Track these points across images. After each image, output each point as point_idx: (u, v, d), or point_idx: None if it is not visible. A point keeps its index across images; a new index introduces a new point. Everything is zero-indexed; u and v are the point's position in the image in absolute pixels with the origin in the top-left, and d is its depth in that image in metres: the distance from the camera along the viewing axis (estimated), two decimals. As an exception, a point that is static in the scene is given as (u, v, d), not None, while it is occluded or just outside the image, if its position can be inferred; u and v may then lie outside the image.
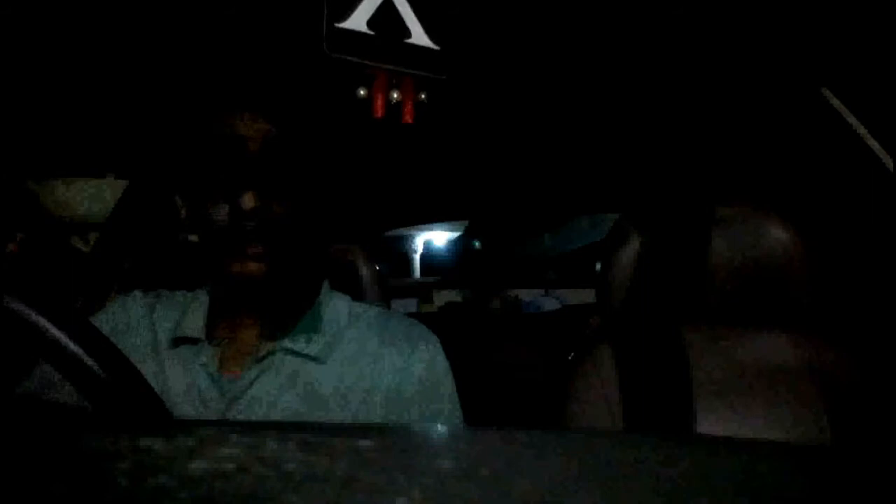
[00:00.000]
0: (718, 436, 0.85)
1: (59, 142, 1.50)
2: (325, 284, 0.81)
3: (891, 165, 1.10)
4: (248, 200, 0.65)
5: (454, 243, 4.32)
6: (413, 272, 4.29)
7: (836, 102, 1.17)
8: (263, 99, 0.69)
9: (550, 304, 3.25)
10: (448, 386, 0.76)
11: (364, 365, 0.72)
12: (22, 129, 1.39)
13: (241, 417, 0.68)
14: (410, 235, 4.19)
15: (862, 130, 1.14)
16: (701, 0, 1.11)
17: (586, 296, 2.96)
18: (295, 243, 0.70)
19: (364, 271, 1.42)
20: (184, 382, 0.70)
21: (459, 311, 3.20)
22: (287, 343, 0.71)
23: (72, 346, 0.35)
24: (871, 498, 0.26)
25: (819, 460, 0.33)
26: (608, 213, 2.62)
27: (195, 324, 0.74)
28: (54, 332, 0.35)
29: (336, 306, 0.79)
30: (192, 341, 0.72)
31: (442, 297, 3.44)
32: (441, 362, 0.76)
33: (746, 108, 1.41)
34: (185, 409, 0.68)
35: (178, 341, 0.72)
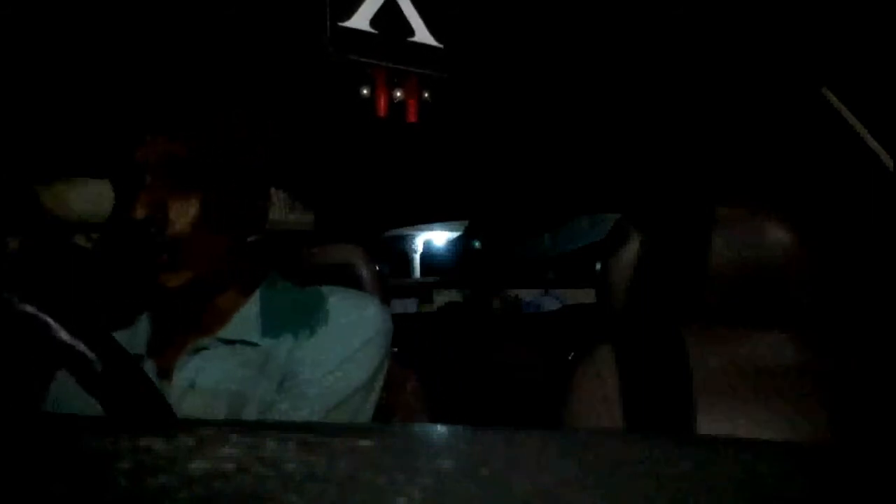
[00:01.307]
0: (719, 436, 0.85)
1: (59, 142, 1.50)
2: (273, 275, 0.82)
3: (891, 165, 1.10)
4: (139, 210, 0.69)
5: (454, 243, 4.32)
6: (413, 272, 4.29)
7: (836, 102, 1.16)
8: (169, 117, 0.73)
9: (550, 304, 3.25)
10: (343, 347, 0.74)
11: (290, 337, 0.74)
12: (22, 129, 1.39)
13: (184, 409, 0.69)
14: (410, 235, 4.19)
15: (862, 130, 1.13)
16: (701, 0, 1.11)
17: (585, 296, 2.96)
18: (206, 246, 0.71)
19: (364, 272, 1.42)
20: None
21: (459, 311, 3.20)
22: (222, 333, 0.74)
23: (77, 345, 0.35)
24: (872, 498, 0.26)
25: (819, 460, 0.33)
26: (608, 213, 2.62)
27: (139, 341, 0.76)
28: (59, 332, 0.35)
29: (277, 297, 0.79)
30: (137, 359, 0.73)
31: (442, 297, 3.44)
32: (374, 326, 0.76)
33: (746, 108, 1.41)
34: None
35: None
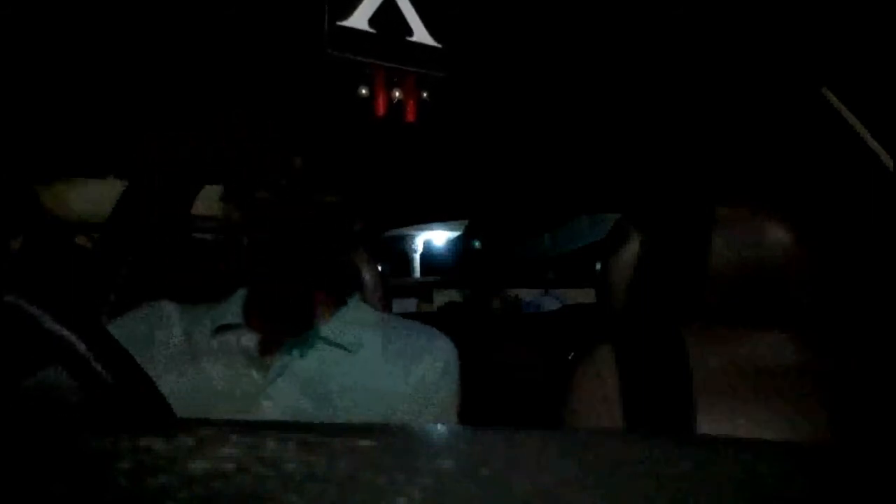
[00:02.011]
0: (719, 436, 0.85)
1: (60, 142, 1.50)
2: (355, 295, 0.87)
3: (891, 165, 1.10)
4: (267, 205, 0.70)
5: (454, 243, 4.32)
6: (413, 272, 4.29)
7: (836, 102, 1.16)
8: (260, 88, 0.74)
9: (550, 304, 3.25)
10: (445, 391, 0.80)
11: (381, 364, 0.77)
12: (22, 129, 1.39)
13: (274, 399, 0.71)
14: (410, 235, 4.19)
15: (862, 130, 1.13)
16: (702, 1, 1.11)
17: (584, 295, 2.96)
18: (323, 246, 0.74)
19: (366, 271, 1.42)
20: (224, 371, 0.74)
21: (459, 311, 3.20)
22: (323, 331, 0.77)
23: (79, 344, 0.35)
24: (872, 498, 0.26)
25: (819, 460, 0.33)
26: (608, 213, 2.62)
27: (234, 311, 0.79)
28: (59, 329, 0.35)
29: (365, 310, 0.85)
30: (233, 327, 0.77)
31: (442, 297, 3.44)
32: (440, 368, 0.81)
33: (746, 108, 1.41)
34: (224, 395, 0.72)
35: (220, 329, 0.77)
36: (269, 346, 0.75)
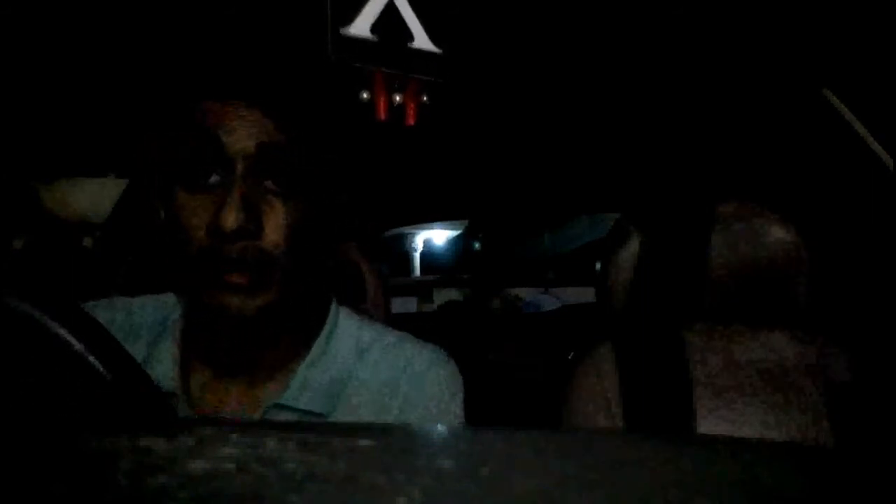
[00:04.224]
0: (719, 436, 0.85)
1: (60, 141, 1.50)
2: (333, 306, 0.67)
3: (891, 165, 1.10)
4: (229, 219, 0.50)
5: (455, 242, 4.33)
6: (413, 271, 4.29)
7: (836, 103, 1.17)
8: (264, 88, 0.55)
9: (549, 304, 3.25)
10: (454, 410, 0.66)
11: (370, 405, 0.61)
12: (23, 129, 1.39)
13: None
14: (411, 234, 4.19)
15: (862, 131, 1.13)
16: (702, 1, 1.11)
17: (585, 294, 2.96)
18: (292, 274, 0.55)
19: (366, 271, 1.42)
20: None
21: (459, 310, 3.20)
22: (283, 400, 0.58)
23: (75, 343, 0.35)
24: (872, 498, 0.26)
25: (820, 461, 0.33)
26: (608, 212, 2.62)
27: (166, 370, 0.59)
28: (56, 328, 0.35)
29: (342, 338, 0.65)
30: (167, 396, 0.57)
31: (442, 296, 3.44)
32: (449, 389, 0.65)
33: (747, 108, 1.41)
34: None
35: None
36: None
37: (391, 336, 0.67)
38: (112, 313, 0.65)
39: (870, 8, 1.07)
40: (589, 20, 1.17)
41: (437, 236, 4.35)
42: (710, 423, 0.88)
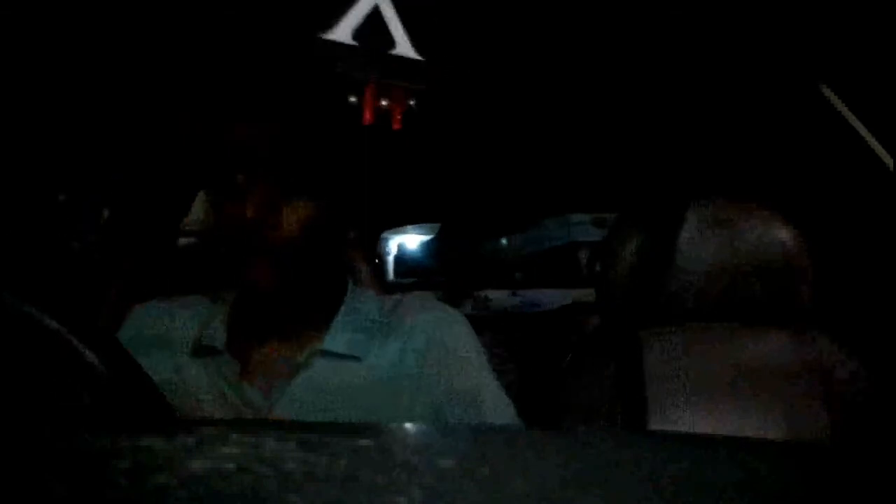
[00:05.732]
0: (719, 436, 0.85)
1: (59, 141, 1.50)
2: (350, 284, 0.77)
3: (891, 165, 1.10)
4: (248, 210, 0.63)
5: (428, 245, 4.34)
6: (386, 274, 4.30)
7: (835, 101, 1.17)
8: (267, 99, 0.67)
9: (550, 302, 3.25)
10: (475, 356, 0.75)
11: (393, 352, 0.71)
12: (25, 129, 1.39)
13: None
14: (384, 239, 4.20)
15: (862, 129, 1.13)
16: (701, 1, 1.11)
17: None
18: (308, 257, 0.67)
19: (362, 269, 1.42)
20: (210, 392, 0.67)
21: None
22: (324, 345, 0.69)
23: (75, 342, 0.35)
24: (872, 498, 0.26)
25: (820, 460, 0.33)
26: (608, 213, 2.62)
27: (217, 333, 0.70)
28: (59, 329, 0.35)
29: (367, 302, 0.76)
30: (214, 352, 0.69)
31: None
32: (470, 330, 0.76)
33: (746, 106, 1.41)
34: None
35: (199, 351, 0.70)
36: (252, 377, 0.68)
37: (409, 296, 0.80)
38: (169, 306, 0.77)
39: (869, 6, 1.07)
40: (590, 19, 1.17)
41: (410, 241, 4.36)
42: (709, 423, 0.88)
